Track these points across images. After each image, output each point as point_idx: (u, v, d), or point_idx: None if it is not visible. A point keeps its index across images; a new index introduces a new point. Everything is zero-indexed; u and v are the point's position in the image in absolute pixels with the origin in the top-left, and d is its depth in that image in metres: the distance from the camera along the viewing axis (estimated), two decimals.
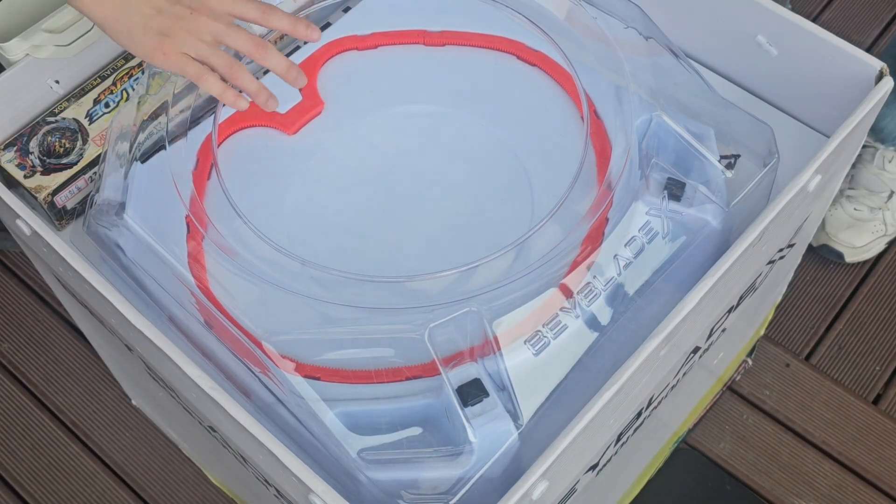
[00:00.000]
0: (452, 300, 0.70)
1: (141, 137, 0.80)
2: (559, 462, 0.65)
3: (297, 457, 0.65)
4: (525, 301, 0.70)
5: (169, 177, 0.77)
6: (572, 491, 0.78)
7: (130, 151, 0.79)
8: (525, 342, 0.70)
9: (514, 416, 0.67)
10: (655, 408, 0.91)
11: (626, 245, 0.74)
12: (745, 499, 1.28)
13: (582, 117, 0.82)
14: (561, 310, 0.71)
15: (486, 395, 0.67)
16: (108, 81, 0.89)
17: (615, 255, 0.74)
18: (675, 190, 0.76)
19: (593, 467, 0.81)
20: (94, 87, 0.89)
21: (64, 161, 0.85)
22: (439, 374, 0.68)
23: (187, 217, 0.76)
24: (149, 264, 0.76)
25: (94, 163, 0.86)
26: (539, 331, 0.70)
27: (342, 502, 0.63)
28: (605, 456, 0.83)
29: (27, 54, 0.85)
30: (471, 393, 0.67)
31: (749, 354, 1.35)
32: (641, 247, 0.75)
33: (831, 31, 0.85)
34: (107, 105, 0.88)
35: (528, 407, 0.68)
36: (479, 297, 0.70)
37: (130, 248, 0.77)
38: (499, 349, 0.69)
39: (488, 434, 0.66)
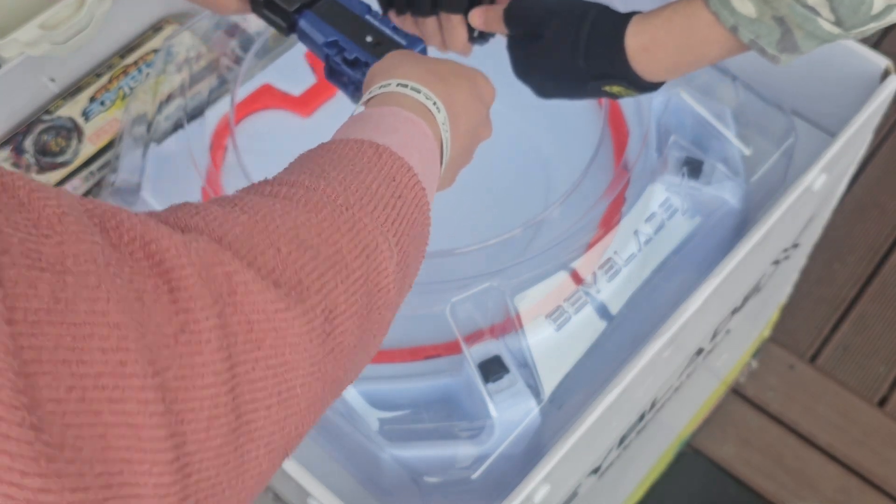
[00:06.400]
0: (473, 276, 0.70)
1: (159, 118, 0.80)
2: (561, 465, 0.64)
3: (294, 460, 0.64)
4: (546, 277, 0.70)
5: (185, 157, 0.77)
6: (574, 494, 0.77)
7: (148, 132, 0.80)
8: (547, 318, 0.69)
9: (536, 392, 0.67)
10: (658, 410, 0.90)
11: (646, 221, 0.74)
12: (750, 502, 1.27)
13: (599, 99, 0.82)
14: (582, 285, 0.71)
15: (507, 371, 0.67)
16: (104, 79, 0.88)
17: (635, 232, 0.73)
18: (693, 168, 0.76)
19: (596, 471, 0.80)
20: (89, 85, 0.88)
21: (59, 160, 0.84)
22: (459, 352, 0.68)
23: (203, 190, 0.76)
24: None
25: (90, 161, 0.85)
26: (560, 306, 0.70)
27: None
28: (608, 459, 0.82)
29: (22, 52, 0.84)
30: (492, 369, 0.67)
31: (754, 356, 1.34)
32: (661, 223, 0.75)
33: None
34: (102, 103, 0.87)
35: (549, 383, 0.68)
36: (500, 273, 0.70)
37: None
38: (521, 325, 0.69)
39: (510, 410, 0.67)
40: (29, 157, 0.84)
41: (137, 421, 0.29)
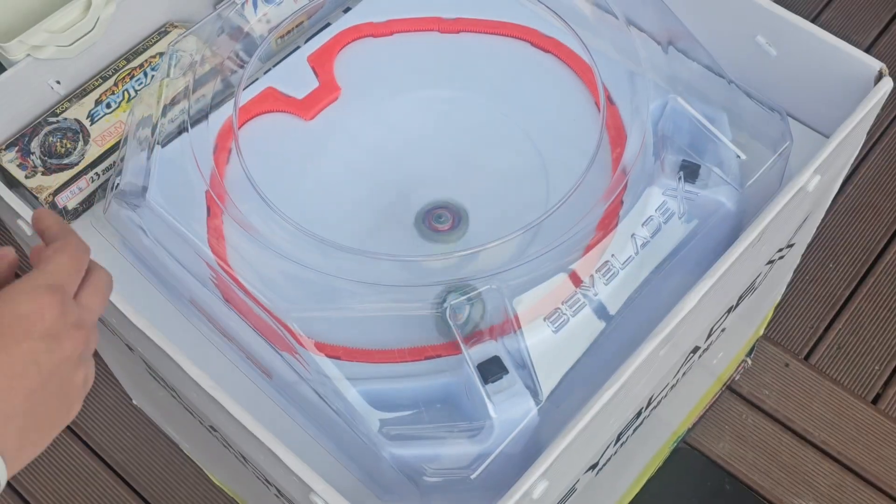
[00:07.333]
0: (472, 278, 0.70)
1: (163, 121, 0.81)
2: (559, 462, 0.65)
3: (297, 456, 0.65)
4: (544, 280, 0.71)
5: (189, 160, 0.78)
6: (572, 490, 0.78)
7: (153, 135, 0.80)
8: (545, 320, 0.70)
9: (534, 393, 0.68)
10: (655, 407, 0.91)
11: (643, 224, 0.75)
12: (745, 498, 1.28)
13: (597, 102, 0.83)
14: (580, 287, 0.72)
15: (506, 372, 0.67)
16: (110, 82, 0.89)
17: (632, 235, 0.75)
18: (690, 172, 0.77)
19: (593, 467, 0.81)
20: (95, 88, 0.89)
21: (65, 161, 0.85)
22: (459, 352, 0.69)
23: (207, 193, 0.77)
24: (171, 244, 0.77)
25: (96, 163, 0.86)
26: (558, 308, 0.71)
27: (343, 501, 0.63)
28: (605, 456, 0.83)
29: (28, 54, 0.85)
30: (491, 370, 0.68)
31: (748, 354, 1.35)
32: (658, 226, 0.76)
33: (831, 31, 0.85)
34: (108, 106, 0.88)
35: (547, 383, 0.69)
36: (499, 275, 0.71)
37: (152, 230, 0.78)
38: (519, 327, 0.69)
39: (508, 410, 0.67)
40: (35, 159, 0.85)
41: None
